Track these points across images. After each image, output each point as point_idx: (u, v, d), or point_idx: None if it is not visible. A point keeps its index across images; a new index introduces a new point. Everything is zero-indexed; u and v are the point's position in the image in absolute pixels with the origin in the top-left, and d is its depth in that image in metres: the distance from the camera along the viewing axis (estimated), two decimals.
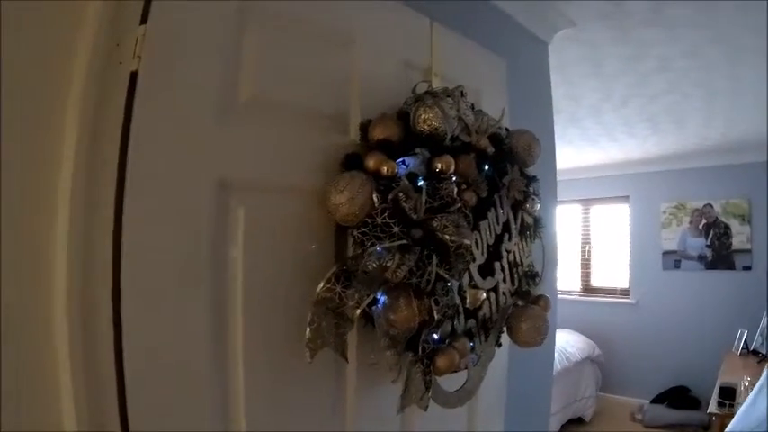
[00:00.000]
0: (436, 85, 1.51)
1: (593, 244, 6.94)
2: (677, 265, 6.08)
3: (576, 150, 5.61)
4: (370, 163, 1.18)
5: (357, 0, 1.40)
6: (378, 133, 1.24)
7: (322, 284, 1.10)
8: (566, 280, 6.86)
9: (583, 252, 6.97)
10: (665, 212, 6.20)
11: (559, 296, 5.53)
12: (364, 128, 1.29)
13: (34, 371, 0.86)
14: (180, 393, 1.00)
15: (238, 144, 1.11)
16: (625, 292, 6.54)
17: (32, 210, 0.87)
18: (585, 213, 7.03)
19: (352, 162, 1.21)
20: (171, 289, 0.99)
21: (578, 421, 5.69)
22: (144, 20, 0.98)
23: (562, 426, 5.37)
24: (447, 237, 1.15)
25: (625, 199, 6.60)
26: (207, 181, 1.05)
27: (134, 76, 0.96)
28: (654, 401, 5.82)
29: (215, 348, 1.05)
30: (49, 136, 0.89)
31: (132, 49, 0.97)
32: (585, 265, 6.96)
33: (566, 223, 6.95)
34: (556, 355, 5.04)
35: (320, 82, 1.30)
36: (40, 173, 0.89)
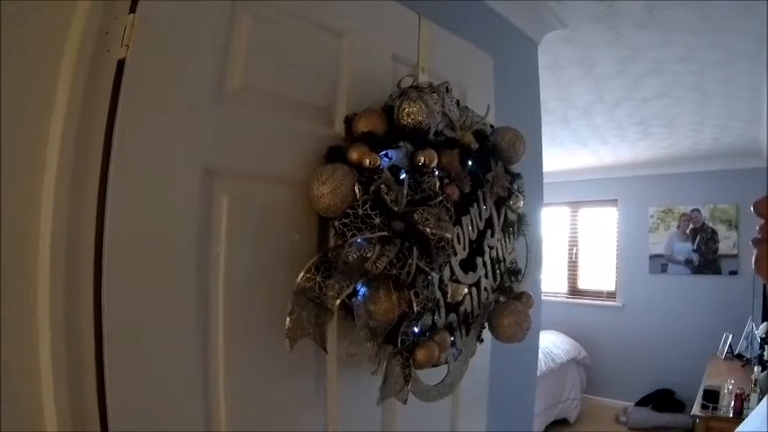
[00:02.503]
0: (423, 80, 1.51)
1: (581, 246, 6.98)
2: (664, 269, 6.12)
3: (566, 152, 5.63)
4: (353, 155, 1.18)
5: None
6: (362, 126, 1.24)
7: (302, 274, 1.10)
8: (553, 282, 6.90)
9: (570, 254, 7.00)
10: (652, 216, 6.24)
11: (546, 298, 5.57)
12: (349, 121, 1.29)
13: (15, 369, 0.85)
14: (160, 382, 1.00)
15: (225, 132, 1.11)
16: (612, 295, 6.58)
17: (16, 196, 0.87)
18: (574, 216, 7.06)
19: (335, 154, 1.21)
20: (153, 275, 1.00)
21: (563, 422, 5.72)
22: (133, 9, 0.99)
23: (546, 426, 5.39)
24: (428, 229, 1.16)
25: (613, 202, 6.64)
26: (192, 168, 1.06)
27: (121, 64, 0.97)
28: (638, 404, 5.85)
29: (196, 336, 1.06)
30: (35, 121, 0.89)
31: (121, 37, 0.97)
32: (573, 267, 6.99)
33: (554, 225, 6.98)
34: (541, 356, 5.07)
35: (308, 74, 1.30)
36: (26, 157, 0.88)
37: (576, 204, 7.01)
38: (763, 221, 0.71)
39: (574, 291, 6.94)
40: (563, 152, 5.61)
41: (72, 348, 0.90)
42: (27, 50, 0.89)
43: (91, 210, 0.93)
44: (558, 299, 6.87)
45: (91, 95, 0.94)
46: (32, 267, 0.88)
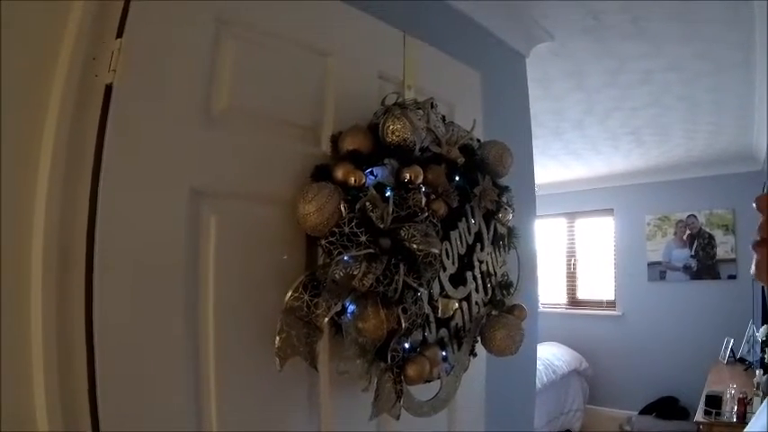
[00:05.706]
0: (410, 97, 1.53)
1: (579, 257, 6.97)
2: (663, 276, 6.11)
3: (560, 164, 5.65)
4: (339, 173, 1.20)
5: (332, 13, 1.42)
6: (347, 144, 1.26)
7: (290, 293, 1.11)
8: (552, 293, 6.89)
9: (568, 265, 6.99)
10: (649, 224, 6.24)
11: (546, 309, 5.57)
12: (335, 139, 1.30)
13: (7, 371, 0.86)
14: (152, 397, 1.01)
15: (212, 153, 1.13)
16: (611, 305, 6.55)
17: (10, 212, 0.88)
18: (570, 227, 7.06)
19: (321, 173, 1.22)
20: (143, 294, 1.01)
21: None
22: (120, 33, 1.00)
23: None
24: (414, 245, 1.17)
25: (609, 212, 6.64)
26: (180, 189, 1.07)
27: (109, 89, 0.98)
28: (642, 413, 5.81)
29: (187, 353, 1.07)
30: (25, 146, 0.91)
31: (108, 61, 0.99)
32: (571, 278, 6.97)
33: (551, 237, 6.98)
34: (542, 368, 5.05)
35: (295, 93, 1.32)
36: (18, 180, 0.90)
37: (572, 215, 7.01)
38: (763, 219, 0.70)
39: (573, 301, 6.91)
40: (557, 164, 5.62)
41: (63, 359, 0.91)
42: (16, 77, 0.91)
43: (81, 230, 0.95)
44: (558, 310, 6.84)
45: (79, 120, 0.96)
46: (25, 286, 0.89)
